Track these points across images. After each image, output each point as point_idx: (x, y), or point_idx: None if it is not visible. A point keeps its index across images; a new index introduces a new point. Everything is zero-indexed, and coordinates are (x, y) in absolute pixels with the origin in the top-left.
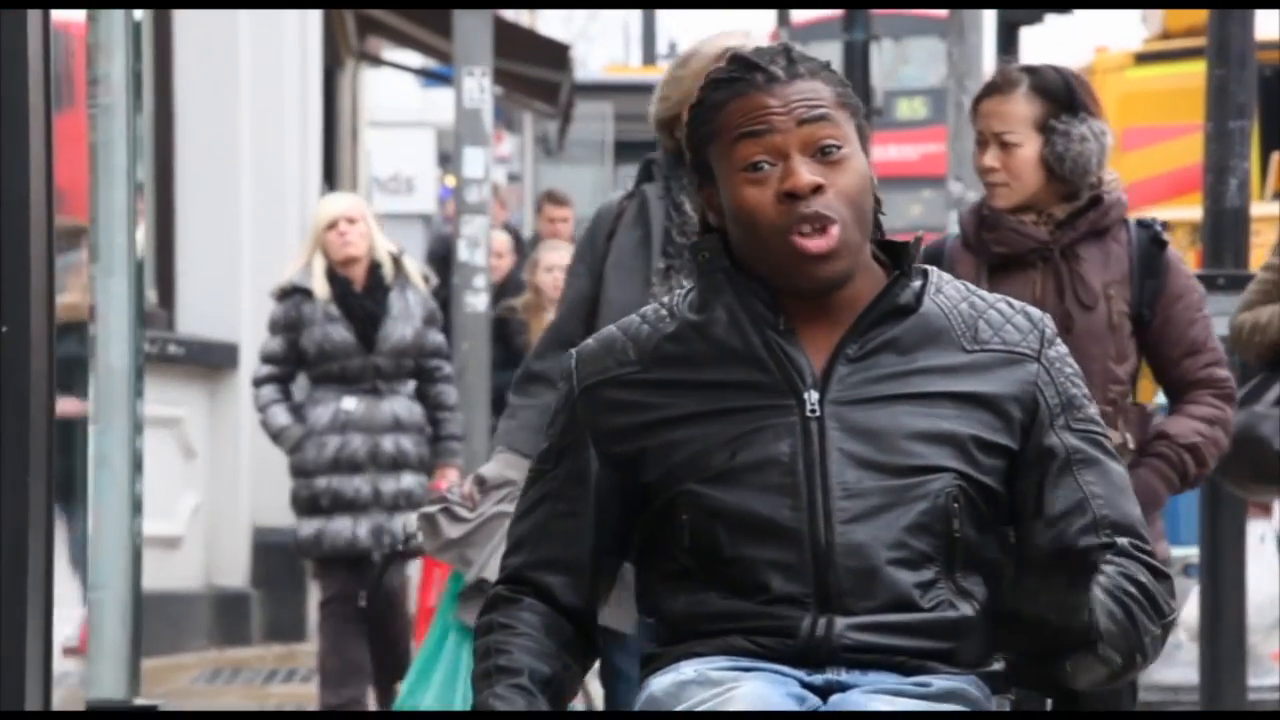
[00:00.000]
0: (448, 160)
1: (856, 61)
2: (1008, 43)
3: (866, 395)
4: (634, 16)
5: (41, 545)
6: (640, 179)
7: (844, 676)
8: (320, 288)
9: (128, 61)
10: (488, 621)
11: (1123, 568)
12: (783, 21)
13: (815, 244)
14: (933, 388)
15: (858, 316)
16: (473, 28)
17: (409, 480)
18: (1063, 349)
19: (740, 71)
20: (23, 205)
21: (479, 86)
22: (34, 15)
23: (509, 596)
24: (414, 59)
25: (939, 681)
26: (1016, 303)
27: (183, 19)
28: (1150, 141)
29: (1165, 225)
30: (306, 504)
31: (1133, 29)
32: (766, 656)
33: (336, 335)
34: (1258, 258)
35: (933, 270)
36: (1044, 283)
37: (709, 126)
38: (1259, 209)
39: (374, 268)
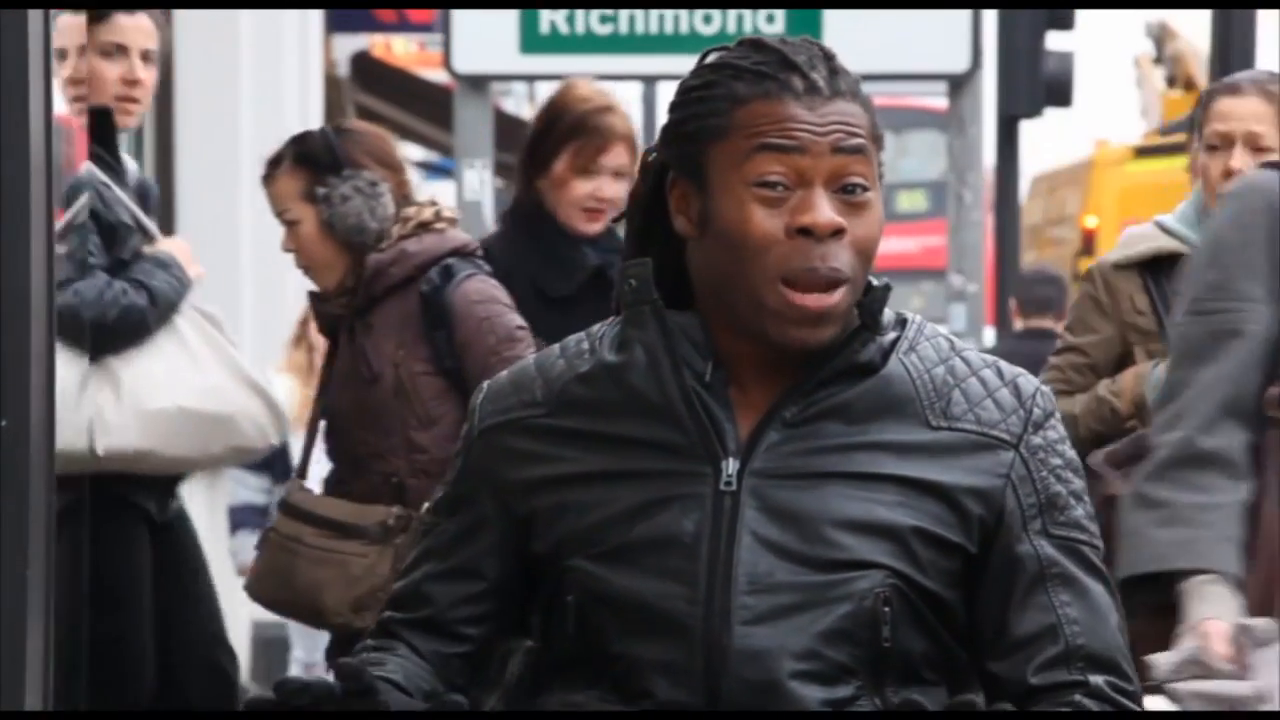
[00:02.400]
0: None
1: None
2: (1008, 136)
3: (797, 470)
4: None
5: (40, 636)
6: None
7: None
8: None
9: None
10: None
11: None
12: None
13: (815, 301)
14: (878, 468)
15: (804, 374)
16: (473, 120)
17: None
18: (1054, 434)
19: (774, 68)
20: (23, 298)
21: (479, 179)
22: (36, 103)
23: (379, 645)
24: (415, 151)
25: None
26: (1010, 370)
27: (184, 88)
28: None
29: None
30: None
31: (1132, 123)
32: None
33: None
34: None
35: (914, 321)
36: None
37: (718, 120)
38: None
39: None
